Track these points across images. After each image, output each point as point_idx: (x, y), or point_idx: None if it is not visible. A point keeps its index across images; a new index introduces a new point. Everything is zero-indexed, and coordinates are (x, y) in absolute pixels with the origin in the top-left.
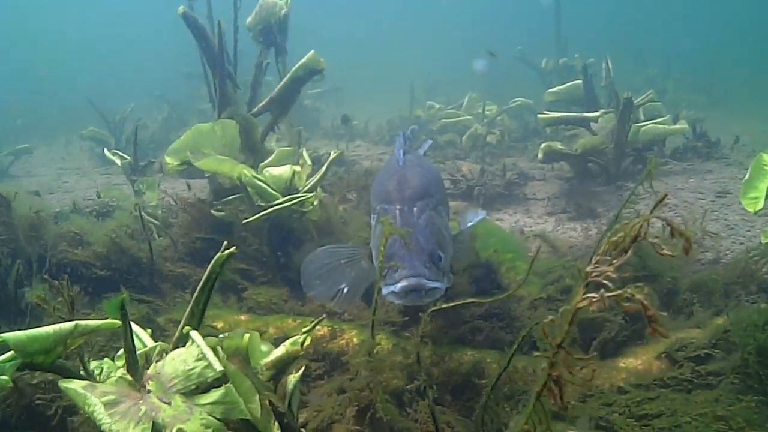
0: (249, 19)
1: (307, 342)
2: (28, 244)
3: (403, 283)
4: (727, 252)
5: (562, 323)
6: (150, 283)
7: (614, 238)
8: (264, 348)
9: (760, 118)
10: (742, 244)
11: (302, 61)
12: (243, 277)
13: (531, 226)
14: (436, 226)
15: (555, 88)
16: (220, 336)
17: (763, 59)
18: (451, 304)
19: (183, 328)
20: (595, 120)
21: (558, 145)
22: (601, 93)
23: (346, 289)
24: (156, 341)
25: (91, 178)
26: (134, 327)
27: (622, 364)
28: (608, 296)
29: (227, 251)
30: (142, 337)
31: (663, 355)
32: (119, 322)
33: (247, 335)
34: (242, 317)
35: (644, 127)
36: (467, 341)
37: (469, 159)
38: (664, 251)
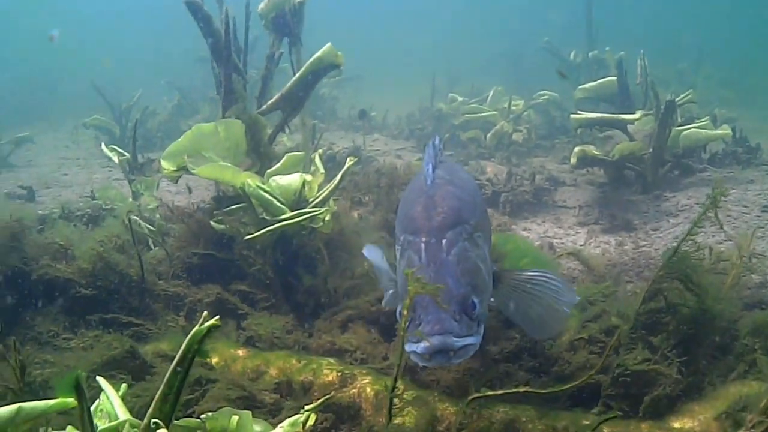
0: (261, 6)
1: (311, 421)
2: (7, 257)
3: (426, 343)
4: None
5: None
6: (140, 304)
7: None
8: (257, 429)
9: None
10: None
11: (317, 54)
12: (243, 300)
13: (561, 239)
14: (471, 262)
15: (587, 85)
16: (203, 416)
17: None
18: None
19: (151, 417)
20: (632, 122)
21: (593, 150)
22: (635, 91)
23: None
24: (139, 380)
25: (91, 171)
26: (105, 388)
27: (677, 425)
28: None
29: (208, 323)
30: (114, 404)
31: (723, 416)
32: (74, 402)
33: (235, 418)
34: (240, 352)
35: (685, 132)
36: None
37: (494, 159)
38: None
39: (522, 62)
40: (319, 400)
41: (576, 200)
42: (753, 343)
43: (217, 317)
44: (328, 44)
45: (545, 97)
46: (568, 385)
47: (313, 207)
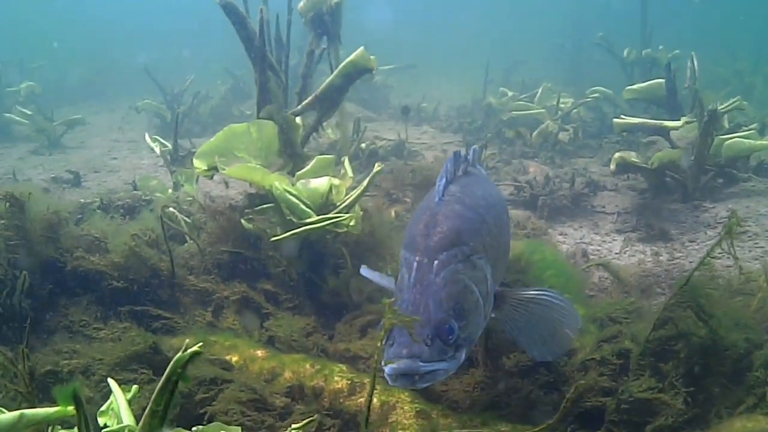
0: (300, 5)
1: None
2: (44, 248)
3: (392, 365)
4: None
5: None
6: (170, 297)
7: None
8: None
9: None
10: None
11: (350, 58)
12: (268, 299)
13: (597, 246)
14: (460, 285)
15: (635, 86)
16: (194, 429)
17: None
18: None
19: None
20: (675, 129)
21: (632, 157)
22: (684, 94)
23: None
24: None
25: (140, 156)
26: (115, 390)
27: None
28: None
29: (190, 351)
30: (120, 407)
31: None
32: (73, 411)
33: None
34: (259, 352)
35: (728, 142)
36: (502, 406)
37: (538, 159)
38: None
39: (580, 54)
40: (304, 421)
41: (615, 206)
42: (766, 375)
43: (200, 344)
44: (361, 48)
45: (596, 95)
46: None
47: (339, 211)
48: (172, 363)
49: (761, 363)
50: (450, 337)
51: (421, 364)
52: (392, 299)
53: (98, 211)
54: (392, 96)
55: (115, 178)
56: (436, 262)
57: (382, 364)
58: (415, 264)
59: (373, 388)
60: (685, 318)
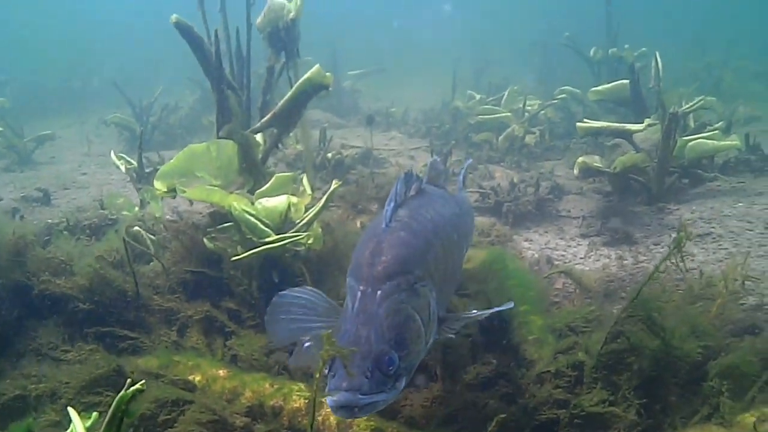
0: (258, 20)
1: None
2: (11, 273)
3: (332, 397)
4: None
5: None
6: (136, 317)
7: None
8: None
9: None
10: None
11: (306, 76)
12: (232, 318)
13: (562, 251)
14: (402, 315)
15: (600, 87)
16: None
17: None
18: None
19: None
20: (638, 132)
21: (595, 162)
22: (650, 94)
23: (307, 345)
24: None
25: (109, 171)
26: (74, 419)
27: None
28: None
29: (133, 388)
30: None
31: None
32: None
33: None
34: (221, 372)
35: (691, 143)
36: (459, 420)
37: (504, 163)
38: None
39: (550, 53)
40: None
41: (580, 210)
42: (720, 385)
43: (143, 381)
44: (317, 65)
45: (563, 96)
46: None
47: (297, 229)
48: (116, 400)
49: (716, 372)
50: (390, 369)
51: (360, 396)
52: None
53: (65, 232)
54: (361, 101)
55: (84, 195)
56: (379, 292)
57: (326, 393)
58: (359, 293)
59: (313, 418)
60: (636, 331)
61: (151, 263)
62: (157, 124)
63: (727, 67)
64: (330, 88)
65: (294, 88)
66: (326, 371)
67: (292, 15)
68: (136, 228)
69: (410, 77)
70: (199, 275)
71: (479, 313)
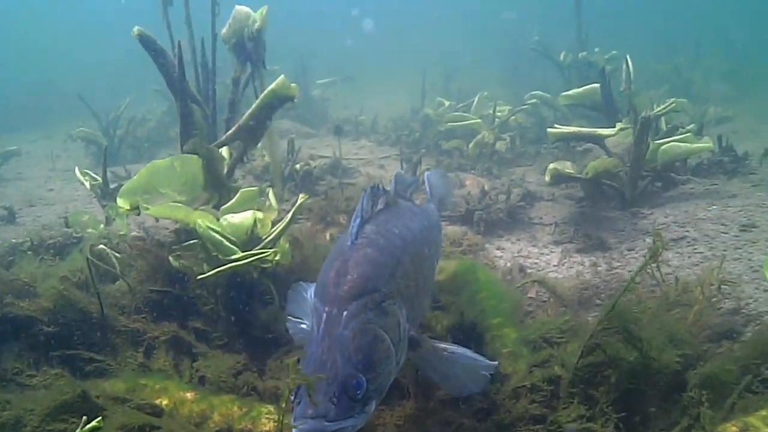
0: (223, 31)
1: None
2: None
3: (297, 426)
4: (750, 300)
5: None
6: (101, 339)
7: None
8: None
9: None
10: (767, 291)
11: (271, 87)
12: (199, 338)
13: (535, 259)
14: (369, 336)
15: (570, 92)
16: None
17: None
18: None
19: None
20: (610, 136)
21: (567, 168)
22: (621, 97)
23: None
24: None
25: (75, 187)
26: None
27: None
28: None
29: (90, 425)
30: None
31: None
32: None
33: None
34: (189, 395)
35: (663, 147)
36: None
37: (474, 171)
38: None
39: (518, 57)
40: None
41: (553, 216)
42: (700, 395)
43: (99, 419)
44: (281, 77)
45: (533, 101)
46: None
47: (264, 245)
48: None
49: (695, 383)
50: (358, 393)
51: (327, 423)
52: (298, 356)
53: (29, 252)
54: (331, 110)
55: (50, 212)
56: (345, 312)
57: (292, 422)
58: (324, 315)
59: None
60: (613, 343)
61: (117, 282)
62: (124, 137)
63: (696, 68)
64: (295, 100)
65: (258, 101)
66: (292, 398)
67: (257, 25)
68: (101, 246)
69: (380, 84)
70: (165, 294)
71: (452, 347)
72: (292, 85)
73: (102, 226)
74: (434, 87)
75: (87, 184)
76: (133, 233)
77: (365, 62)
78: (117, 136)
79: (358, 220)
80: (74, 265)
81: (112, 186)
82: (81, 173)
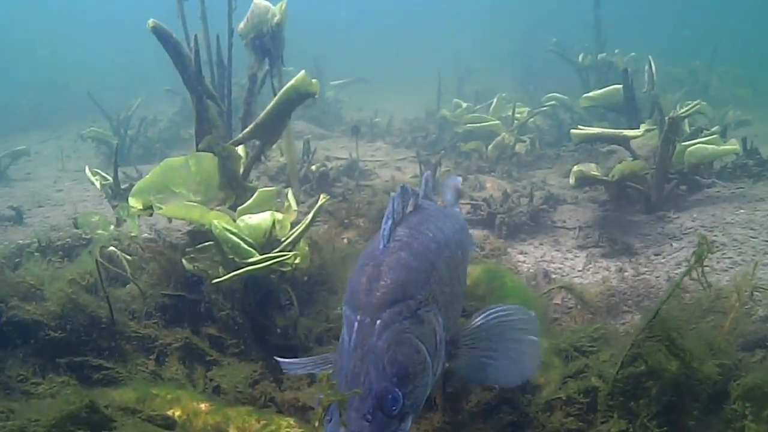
0: (241, 25)
1: None
2: None
3: None
4: None
5: None
6: (111, 345)
7: None
8: None
9: None
10: None
11: (291, 83)
12: (213, 345)
13: (559, 264)
14: (405, 347)
15: (592, 93)
16: None
17: None
18: None
19: None
20: (635, 137)
21: (592, 170)
22: (643, 98)
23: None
24: None
25: (85, 187)
26: None
27: None
28: None
29: None
30: None
31: None
32: None
33: None
34: (203, 406)
35: (690, 148)
36: None
37: (494, 173)
38: None
39: (532, 59)
40: None
41: (576, 220)
42: (743, 408)
43: None
44: (302, 72)
45: (552, 102)
46: None
47: (283, 248)
48: None
49: (738, 395)
50: (394, 408)
51: None
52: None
53: (36, 254)
54: (344, 111)
55: (58, 213)
56: (378, 321)
57: None
58: (355, 324)
59: None
60: (654, 353)
61: (127, 286)
62: (135, 137)
63: (713, 72)
64: (316, 96)
65: (278, 97)
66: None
67: (277, 19)
68: (111, 248)
69: (393, 86)
70: (178, 299)
71: (485, 314)
72: (313, 80)
73: (112, 227)
74: (448, 89)
75: (97, 183)
76: (144, 235)
77: (378, 64)
78: (128, 137)
79: (389, 222)
80: (83, 268)
81: (123, 186)
82: (91, 173)
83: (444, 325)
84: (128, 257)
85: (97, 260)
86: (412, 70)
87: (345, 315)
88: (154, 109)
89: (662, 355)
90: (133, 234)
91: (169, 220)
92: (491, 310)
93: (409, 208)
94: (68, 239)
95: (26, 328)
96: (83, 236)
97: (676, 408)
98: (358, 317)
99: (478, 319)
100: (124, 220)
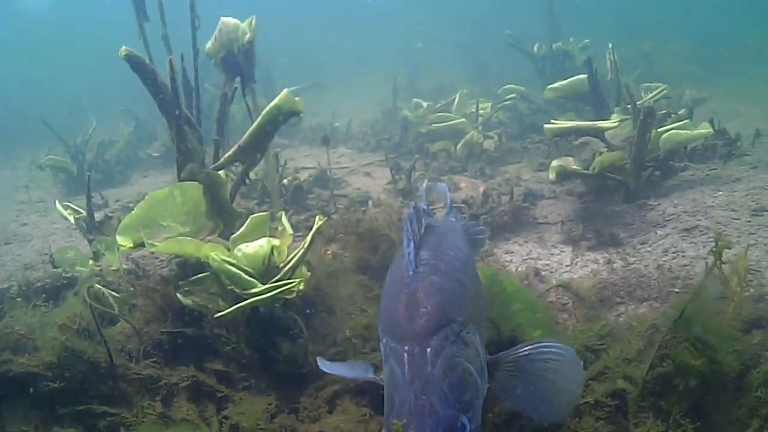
0: (208, 45)
1: None
2: None
3: None
4: None
5: None
6: (113, 390)
7: None
8: None
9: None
10: None
11: (275, 102)
12: (221, 380)
13: (546, 260)
14: (459, 371)
15: (556, 84)
16: None
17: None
18: None
19: None
20: (610, 129)
21: (572, 165)
22: (607, 87)
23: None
24: None
25: (51, 219)
26: None
27: None
28: None
29: None
30: None
31: None
32: None
33: None
34: None
35: (665, 135)
36: None
37: (467, 173)
38: None
39: (482, 50)
40: None
41: (558, 215)
42: (767, 394)
43: None
44: (285, 90)
45: (512, 95)
46: None
47: (283, 275)
48: None
49: (760, 382)
50: None
51: None
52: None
53: (18, 299)
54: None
55: (29, 250)
56: (429, 349)
57: None
58: (405, 355)
59: None
60: (681, 351)
61: (118, 324)
62: (93, 162)
63: (664, 53)
64: (302, 115)
65: (261, 117)
66: None
67: (248, 37)
68: (97, 287)
69: (346, 87)
70: (176, 335)
71: (533, 345)
72: (296, 99)
73: (91, 262)
74: (401, 87)
75: (71, 218)
76: (124, 266)
77: (328, 65)
78: (86, 161)
79: (412, 245)
80: (71, 311)
81: (97, 219)
82: (62, 206)
83: (481, 343)
84: (115, 294)
85: (89, 303)
86: (363, 69)
87: (388, 347)
88: (108, 130)
89: (688, 352)
90: (114, 268)
91: (152, 253)
92: (543, 344)
93: (422, 229)
94: (48, 279)
95: (22, 381)
96: (63, 275)
97: (703, 402)
98: (407, 348)
99: (526, 348)
100: (102, 254)
